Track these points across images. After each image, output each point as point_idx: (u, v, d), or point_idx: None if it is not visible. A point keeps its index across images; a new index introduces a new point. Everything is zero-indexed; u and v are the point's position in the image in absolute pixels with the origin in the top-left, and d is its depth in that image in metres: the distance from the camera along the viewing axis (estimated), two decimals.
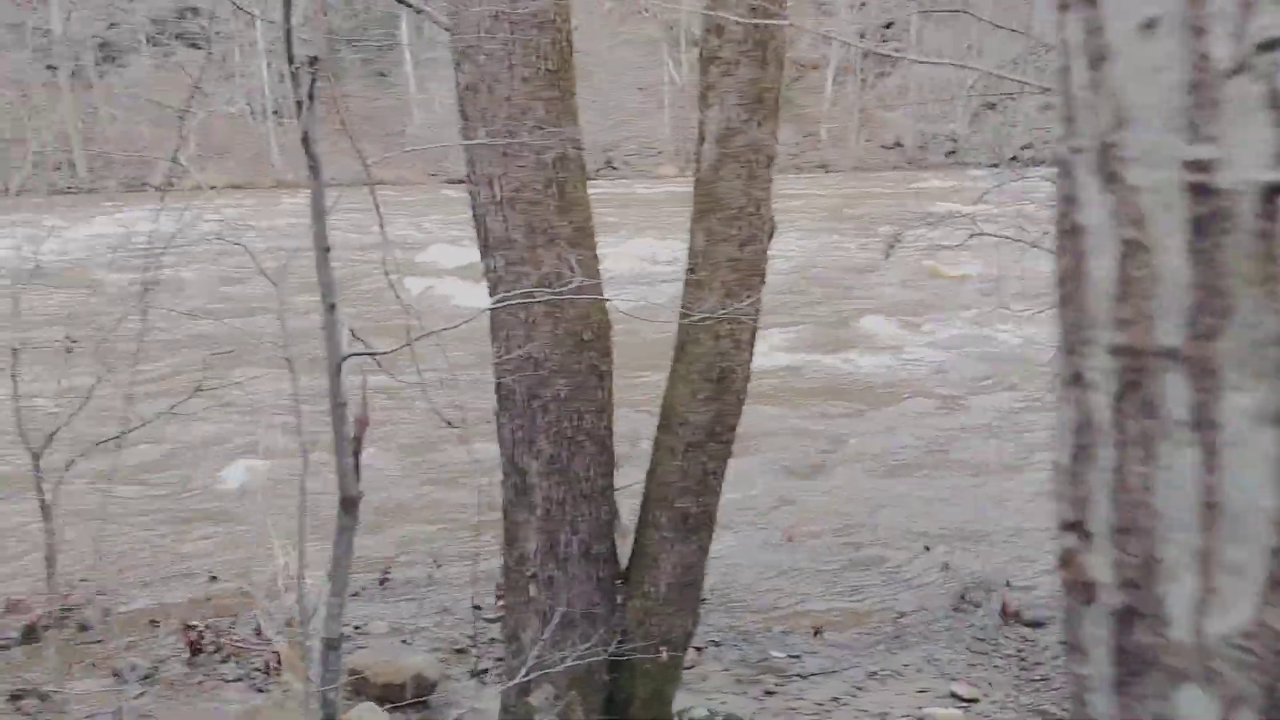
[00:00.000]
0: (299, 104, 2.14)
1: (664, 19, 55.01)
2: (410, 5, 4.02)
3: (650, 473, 4.39)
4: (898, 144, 53.22)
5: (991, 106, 52.84)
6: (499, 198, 4.08)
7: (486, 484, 4.35)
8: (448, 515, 8.24)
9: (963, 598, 6.74)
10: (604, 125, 47.19)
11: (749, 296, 4.14)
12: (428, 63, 52.15)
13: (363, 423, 2.59)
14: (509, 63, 4.01)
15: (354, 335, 2.47)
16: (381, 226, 2.36)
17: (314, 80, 2.12)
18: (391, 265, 2.61)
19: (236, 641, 6.00)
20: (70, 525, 6.23)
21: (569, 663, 3.54)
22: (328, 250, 2.29)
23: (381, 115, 51.49)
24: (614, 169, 49.58)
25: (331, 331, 2.36)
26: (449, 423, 2.60)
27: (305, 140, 2.18)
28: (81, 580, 6.50)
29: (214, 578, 6.92)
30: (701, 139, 4.18)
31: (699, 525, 4.33)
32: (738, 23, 3.91)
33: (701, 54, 4.14)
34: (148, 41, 52.66)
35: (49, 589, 6.00)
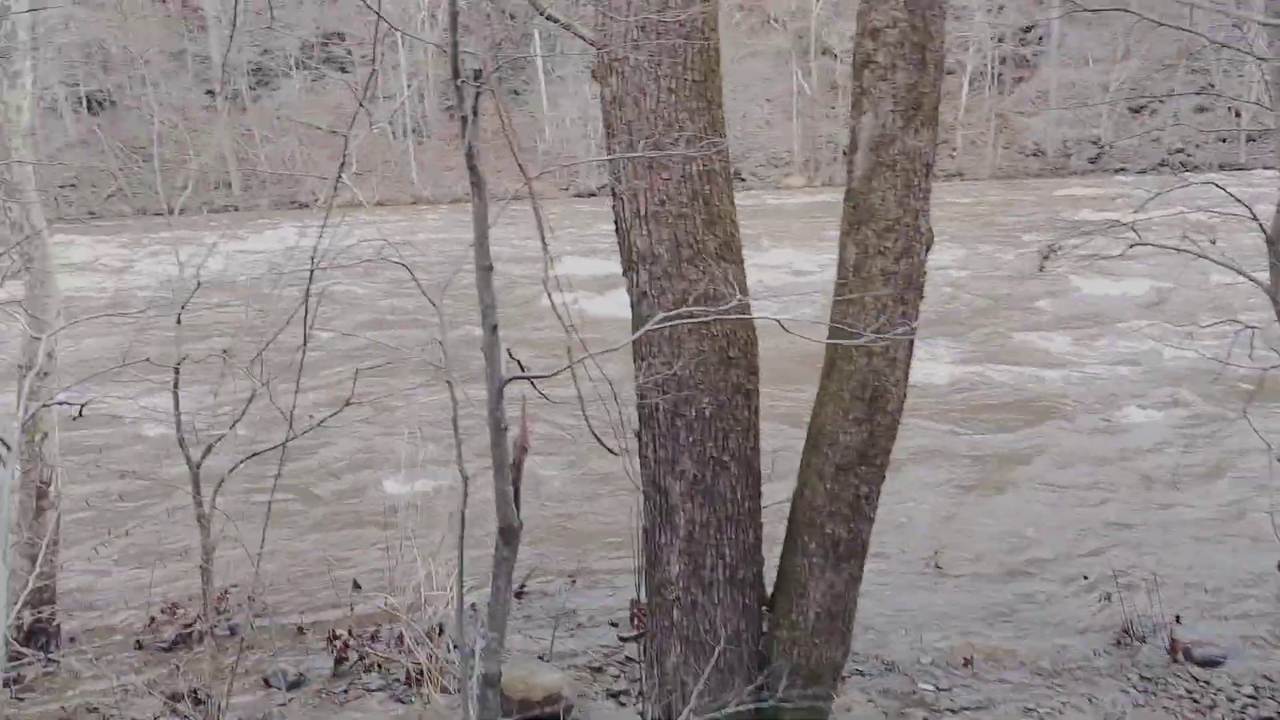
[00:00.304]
0: (463, 120, 2.09)
1: (794, 29, 54.58)
2: (556, 20, 3.98)
3: (797, 495, 4.21)
4: (1038, 150, 51.35)
5: (1139, 110, 50.43)
6: (643, 211, 4.00)
7: (638, 503, 4.25)
8: (585, 528, 8.23)
9: (1126, 632, 6.29)
10: (732, 136, 47.03)
11: (905, 312, 3.93)
12: (558, 80, 53.19)
13: (523, 449, 2.51)
14: (655, 74, 3.92)
15: (510, 356, 2.40)
16: (545, 244, 2.29)
17: (478, 96, 2.06)
18: (554, 283, 2.53)
19: (379, 652, 6.08)
20: (226, 534, 6.47)
21: (729, 710, 3.39)
22: (489, 269, 2.22)
23: (513, 131, 52.70)
24: (742, 180, 49.40)
25: (492, 353, 2.30)
26: (611, 450, 2.50)
27: (469, 157, 2.12)
28: (233, 586, 6.73)
29: (357, 586, 7.05)
30: (853, 147, 3.99)
31: (850, 552, 4.12)
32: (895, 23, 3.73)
33: (855, 59, 3.96)
34: (297, 66, 55.34)
35: (204, 595, 6.23)
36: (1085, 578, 7.13)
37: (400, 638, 6.05)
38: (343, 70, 55.51)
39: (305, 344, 3.33)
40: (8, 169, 6.26)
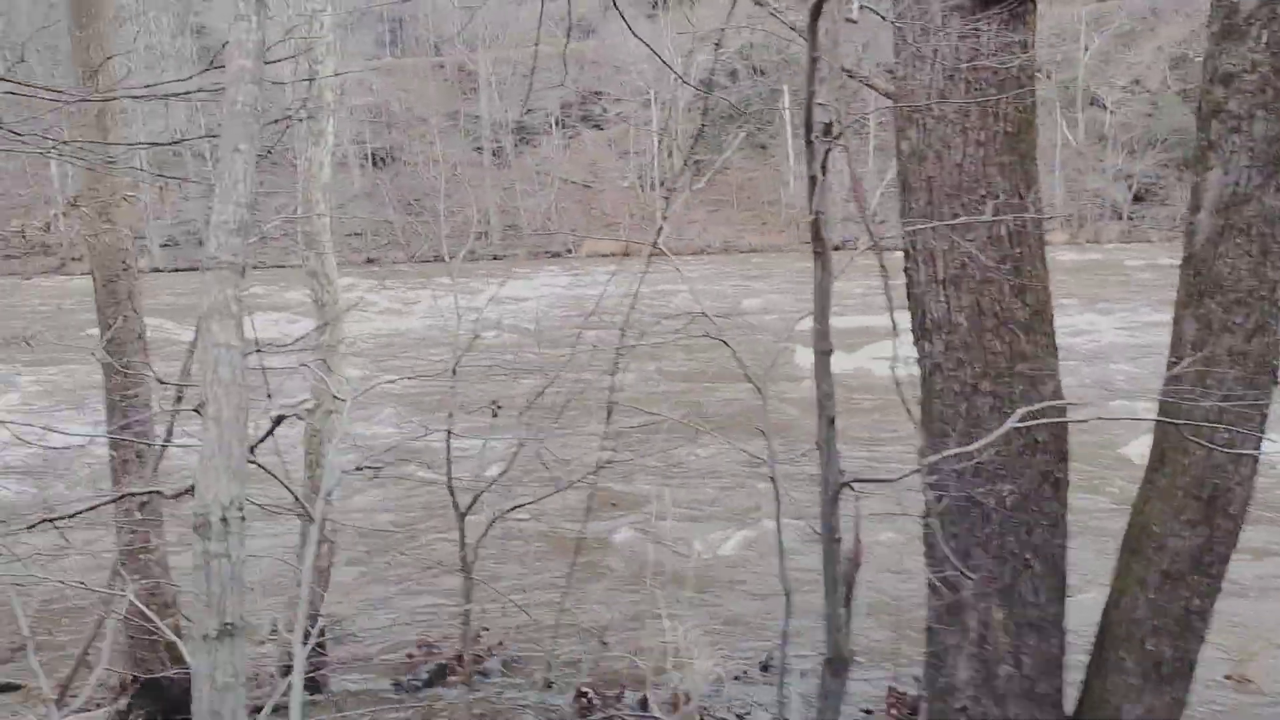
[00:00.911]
0: (811, 179, 1.89)
1: (1059, 79, 51.89)
2: (851, 74, 3.75)
3: (1112, 604, 3.68)
4: None
5: None
6: (941, 275, 3.65)
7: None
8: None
9: None
10: None
11: (1256, 399, 3.36)
12: (803, 133, 53.05)
13: (856, 563, 2.24)
14: (962, 126, 3.60)
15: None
16: (894, 324, 2.04)
17: (828, 152, 1.86)
18: (900, 369, 2.26)
19: (624, 714, 5.94)
20: (483, 579, 6.56)
21: None
22: (829, 353, 1.99)
23: (754, 185, 53.37)
24: None
25: (829, 450, 2.06)
26: (969, 576, 2.18)
27: (815, 225, 1.91)
28: (484, 629, 6.80)
29: (603, 643, 6.95)
30: (1195, 207, 3.49)
31: (1175, 674, 3.54)
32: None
33: (1201, 107, 3.47)
34: (556, 124, 58.36)
35: (463, 643, 6.32)
36: None
37: (644, 702, 5.88)
38: (597, 128, 58.00)
39: (611, 409, 3.21)
40: (308, 220, 6.74)
